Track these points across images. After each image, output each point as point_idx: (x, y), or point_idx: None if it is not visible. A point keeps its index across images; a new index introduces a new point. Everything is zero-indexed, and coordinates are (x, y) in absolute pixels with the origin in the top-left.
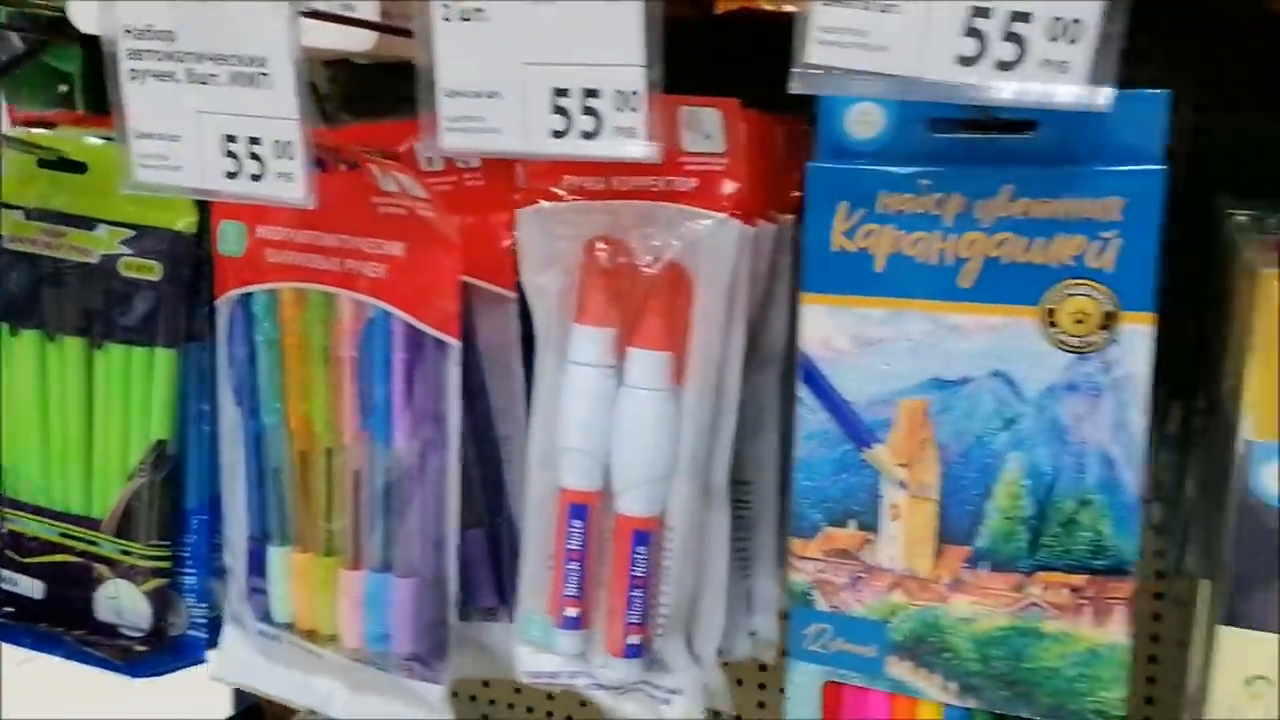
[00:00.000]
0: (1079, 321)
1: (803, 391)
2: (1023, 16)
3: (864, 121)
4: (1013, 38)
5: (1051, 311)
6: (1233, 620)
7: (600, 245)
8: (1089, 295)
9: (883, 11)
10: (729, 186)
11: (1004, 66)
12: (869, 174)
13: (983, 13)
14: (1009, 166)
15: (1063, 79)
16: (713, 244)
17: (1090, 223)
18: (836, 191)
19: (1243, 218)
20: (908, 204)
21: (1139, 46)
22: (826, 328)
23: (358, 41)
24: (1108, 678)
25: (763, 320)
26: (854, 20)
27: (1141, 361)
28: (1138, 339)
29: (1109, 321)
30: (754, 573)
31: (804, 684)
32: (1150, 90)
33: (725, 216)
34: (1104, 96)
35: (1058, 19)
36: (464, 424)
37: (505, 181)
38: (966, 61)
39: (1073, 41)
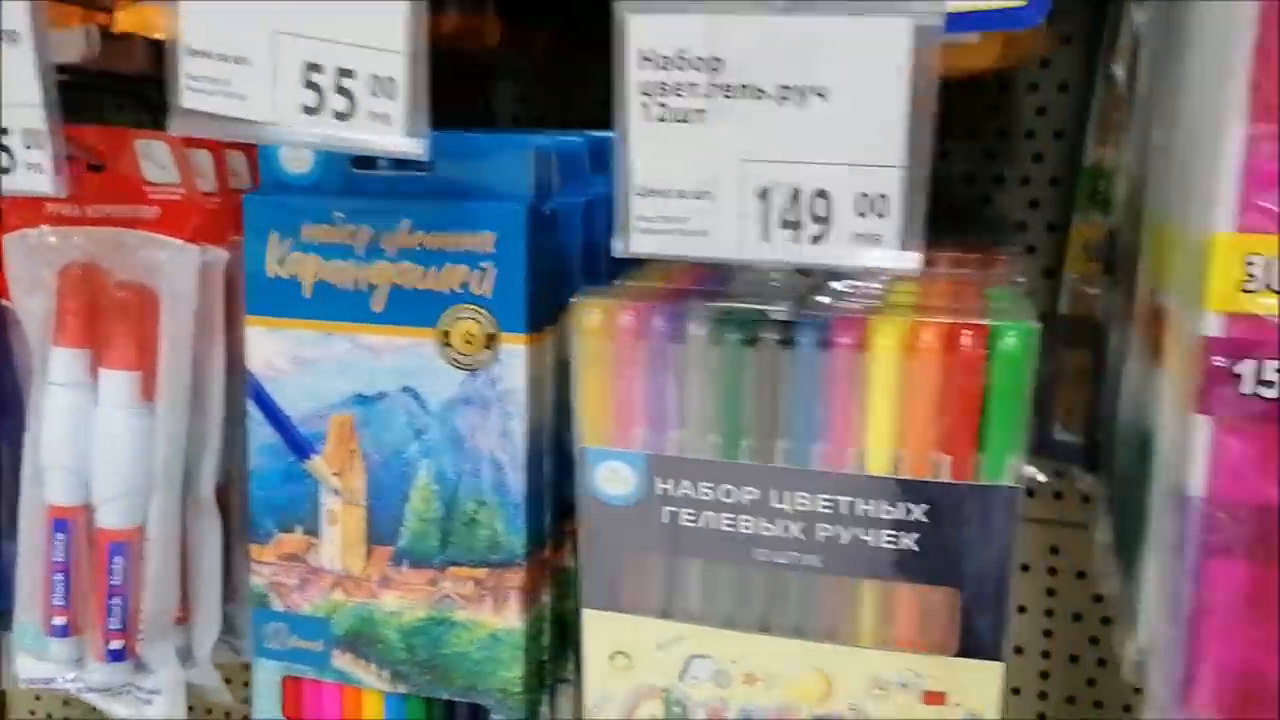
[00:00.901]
0: (468, 342)
1: (251, 408)
2: (349, 73)
3: (295, 158)
4: (344, 92)
5: (446, 333)
6: (592, 603)
7: (75, 270)
8: (474, 319)
9: (236, 63)
10: (188, 214)
11: (340, 116)
12: (292, 206)
13: (317, 68)
14: (409, 202)
15: (386, 130)
16: (174, 269)
17: (472, 254)
18: (268, 222)
19: None
20: (326, 235)
21: None
22: (267, 348)
23: None
24: (507, 658)
25: None
26: (216, 70)
27: (519, 377)
28: (515, 357)
29: (491, 342)
30: None
31: (267, 680)
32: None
33: (184, 243)
34: (420, 147)
35: (376, 76)
36: None
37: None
38: (310, 111)
39: (390, 98)
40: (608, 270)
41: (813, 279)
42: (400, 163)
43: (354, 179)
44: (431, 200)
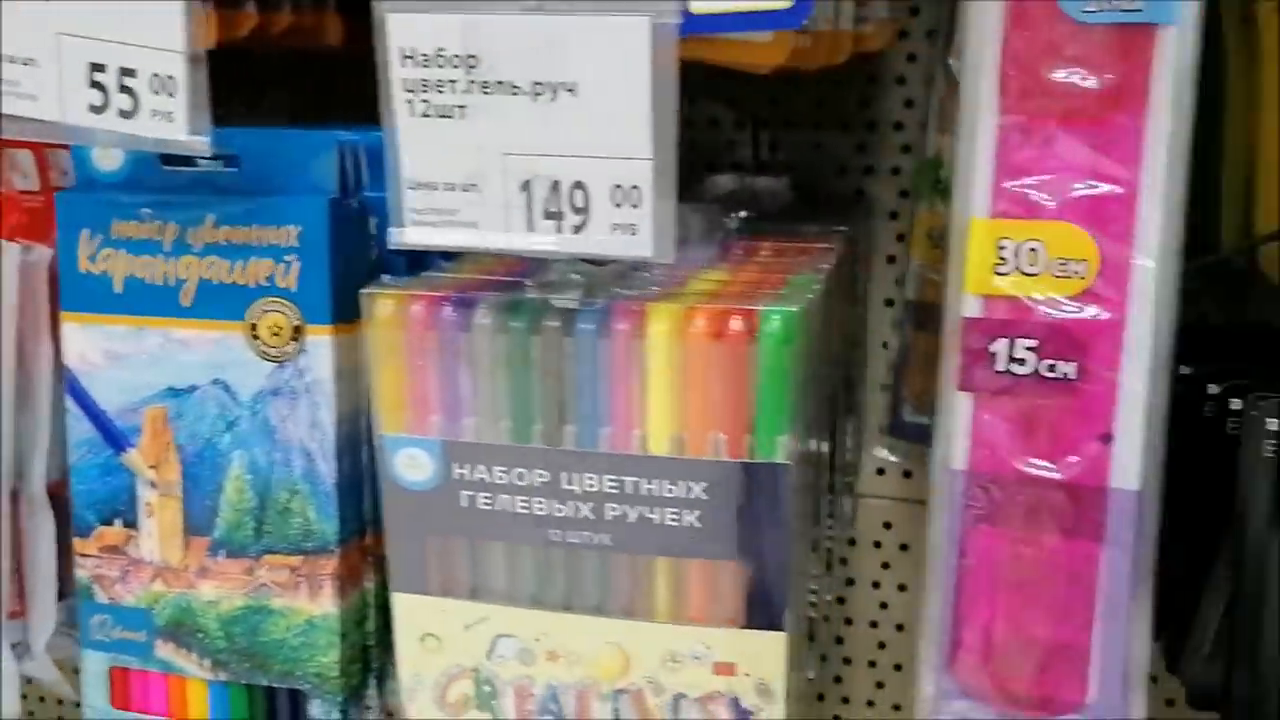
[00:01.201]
0: (275, 334)
1: (69, 402)
2: (130, 73)
3: (106, 156)
4: (127, 90)
5: (254, 326)
6: (400, 587)
7: None
8: (280, 311)
9: (25, 65)
10: (6, 213)
11: (125, 115)
12: (102, 203)
13: (100, 68)
14: (214, 197)
15: (169, 127)
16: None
17: (276, 248)
18: (79, 219)
19: None
20: (135, 231)
21: None
22: (82, 343)
23: None
24: (323, 644)
25: None
26: (6, 71)
27: (325, 367)
28: (321, 349)
29: (298, 334)
30: None
31: (95, 670)
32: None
33: (2, 241)
34: (203, 143)
35: (156, 75)
36: None
37: None
38: (96, 110)
39: (171, 95)
40: (432, 262)
41: (618, 266)
42: (213, 158)
43: (164, 176)
44: (236, 195)
